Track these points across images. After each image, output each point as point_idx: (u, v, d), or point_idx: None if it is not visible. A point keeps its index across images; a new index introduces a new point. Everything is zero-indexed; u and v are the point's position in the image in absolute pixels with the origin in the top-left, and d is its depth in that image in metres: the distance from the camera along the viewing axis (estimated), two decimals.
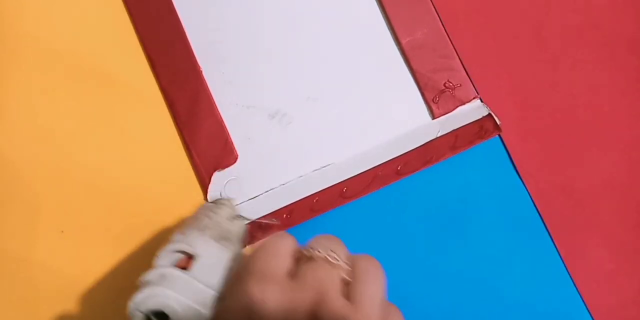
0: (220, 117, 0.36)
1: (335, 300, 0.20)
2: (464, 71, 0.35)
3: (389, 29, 0.36)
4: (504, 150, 0.35)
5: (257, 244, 0.27)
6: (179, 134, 0.36)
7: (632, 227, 0.35)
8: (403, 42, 0.35)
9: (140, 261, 0.34)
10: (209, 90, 0.36)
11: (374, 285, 0.21)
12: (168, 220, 0.35)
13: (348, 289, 0.21)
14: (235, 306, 0.21)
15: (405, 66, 0.35)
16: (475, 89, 0.35)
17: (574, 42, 0.35)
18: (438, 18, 0.35)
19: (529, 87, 0.35)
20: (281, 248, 0.22)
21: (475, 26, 0.35)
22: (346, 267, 0.22)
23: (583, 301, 0.34)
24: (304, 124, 0.36)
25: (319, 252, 0.22)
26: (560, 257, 0.34)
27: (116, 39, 0.37)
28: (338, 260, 0.21)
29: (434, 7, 0.35)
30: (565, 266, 0.34)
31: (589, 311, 0.34)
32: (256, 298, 0.20)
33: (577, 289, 0.34)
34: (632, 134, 0.35)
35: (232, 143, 0.35)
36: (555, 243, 0.34)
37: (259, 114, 0.36)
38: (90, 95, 0.37)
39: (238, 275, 0.22)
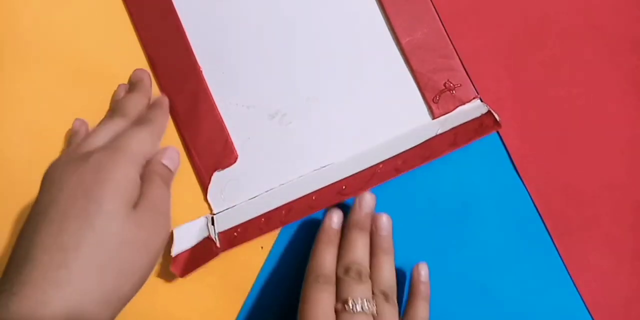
0: (220, 117, 0.36)
1: None
2: (464, 71, 0.35)
3: (388, 28, 0.36)
4: (504, 150, 0.35)
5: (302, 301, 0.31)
6: (179, 134, 0.36)
7: (632, 227, 0.35)
8: (403, 42, 0.35)
9: None
10: (209, 90, 0.36)
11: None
12: None
13: None
14: None
15: (405, 66, 0.35)
16: (475, 89, 0.35)
17: (574, 42, 0.35)
18: (438, 18, 0.35)
19: (529, 87, 0.35)
20: (328, 305, 0.30)
21: (475, 26, 0.35)
22: (374, 308, 0.30)
23: (583, 301, 0.34)
24: (304, 124, 0.36)
25: (355, 306, 0.29)
26: (560, 256, 0.34)
27: (116, 39, 0.37)
28: (368, 305, 0.30)
29: (434, 7, 0.35)
30: (565, 266, 0.34)
31: (588, 311, 0.34)
32: None
33: (577, 288, 0.34)
34: (632, 134, 0.35)
35: (232, 143, 0.35)
36: (555, 243, 0.34)
37: (259, 114, 0.36)
38: (91, 95, 0.37)
39: None
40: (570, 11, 0.35)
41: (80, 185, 0.28)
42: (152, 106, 0.35)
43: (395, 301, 0.31)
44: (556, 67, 0.35)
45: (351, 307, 0.29)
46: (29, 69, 0.37)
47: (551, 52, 0.35)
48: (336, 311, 0.30)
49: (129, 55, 0.37)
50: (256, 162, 0.35)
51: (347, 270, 0.31)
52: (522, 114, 0.35)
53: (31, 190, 0.36)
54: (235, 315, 0.35)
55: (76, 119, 0.36)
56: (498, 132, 0.35)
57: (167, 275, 0.35)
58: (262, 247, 0.36)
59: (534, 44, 0.35)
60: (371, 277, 0.32)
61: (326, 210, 0.33)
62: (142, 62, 0.37)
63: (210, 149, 0.35)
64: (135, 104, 0.34)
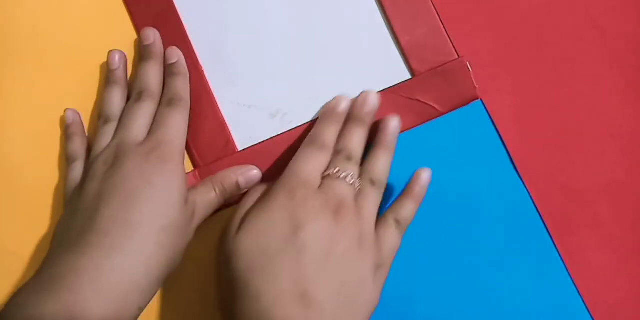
0: (222, 116, 0.36)
1: (350, 208, 0.29)
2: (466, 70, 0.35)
3: (388, 28, 0.36)
4: (504, 150, 0.35)
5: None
6: None
7: (632, 227, 0.35)
8: (402, 41, 0.35)
9: None
10: (210, 89, 0.36)
11: (370, 202, 0.31)
12: None
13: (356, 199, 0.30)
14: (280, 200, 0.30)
15: (404, 65, 0.35)
16: (475, 88, 0.35)
17: (574, 42, 0.35)
18: (438, 18, 0.35)
19: (529, 87, 0.35)
20: (317, 167, 0.31)
21: (475, 26, 0.36)
22: (358, 185, 0.31)
23: (583, 301, 0.34)
24: (305, 123, 0.36)
25: (340, 173, 0.30)
26: (560, 256, 0.34)
27: (116, 38, 0.37)
28: (352, 179, 0.30)
29: (434, 7, 0.35)
30: (565, 266, 0.34)
31: (588, 311, 0.34)
32: (297, 199, 0.29)
33: (576, 288, 0.34)
34: (632, 134, 0.35)
35: (233, 142, 0.35)
36: (555, 243, 0.34)
37: (260, 113, 0.36)
38: (91, 95, 0.37)
39: (282, 178, 0.31)
40: (570, 11, 0.35)
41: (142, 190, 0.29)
42: (171, 75, 0.35)
43: (381, 192, 0.32)
44: (556, 67, 0.35)
45: (336, 174, 0.30)
46: (28, 69, 0.37)
47: (551, 52, 0.35)
48: (322, 178, 0.31)
49: (129, 55, 0.37)
50: (257, 161, 0.35)
51: (338, 153, 0.32)
52: (522, 113, 0.35)
53: (31, 190, 0.36)
54: None
55: (67, 109, 0.36)
56: (498, 132, 0.35)
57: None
58: None
59: (534, 43, 0.35)
60: (364, 166, 0.32)
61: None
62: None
63: (211, 148, 0.35)
64: (157, 77, 0.34)
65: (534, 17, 0.35)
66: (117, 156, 0.31)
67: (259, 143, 0.35)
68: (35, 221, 0.36)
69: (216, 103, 0.36)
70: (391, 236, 0.31)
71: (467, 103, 0.35)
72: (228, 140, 0.35)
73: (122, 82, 0.35)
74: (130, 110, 0.33)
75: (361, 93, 0.33)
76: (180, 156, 0.32)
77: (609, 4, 0.35)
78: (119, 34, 0.37)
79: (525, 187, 0.35)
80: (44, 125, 0.37)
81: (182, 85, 0.34)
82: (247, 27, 0.36)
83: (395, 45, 0.35)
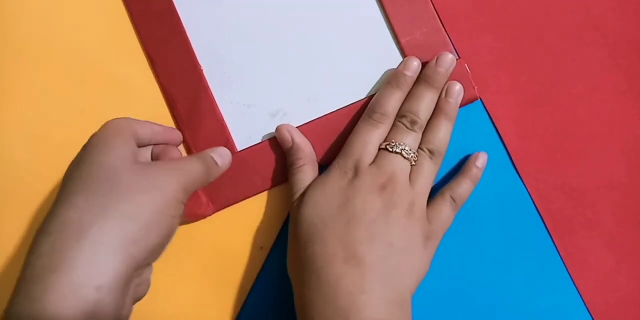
0: (221, 116, 0.36)
1: (401, 182, 0.31)
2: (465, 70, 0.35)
3: (388, 28, 0.36)
4: (504, 150, 0.35)
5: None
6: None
7: (632, 227, 0.35)
8: (402, 41, 0.35)
9: None
10: (209, 89, 0.36)
11: (425, 175, 0.32)
12: None
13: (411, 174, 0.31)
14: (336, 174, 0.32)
15: None
16: (475, 88, 0.35)
17: (574, 42, 0.35)
18: (438, 18, 0.35)
19: (529, 87, 0.35)
20: (372, 140, 0.32)
21: (475, 26, 0.35)
22: (415, 158, 0.32)
23: (583, 300, 0.34)
24: (305, 123, 0.36)
25: (396, 147, 0.31)
26: (561, 256, 0.34)
27: (116, 38, 0.37)
28: (409, 153, 0.31)
29: (434, 7, 0.35)
30: (565, 266, 0.34)
31: (588, 310, 0.34)
32: (349, 175, 0.31)
33: (577, 288, 0.34)
34: (632, 134, 0.35)
35: (233, 142, 0.35)
36: (555, 242, 0.34)
37: (260, 113, 0.36)
38: (91, 95, 0.37)
39: (340, 153, 0.33)
40: (570, 11, 0.35)
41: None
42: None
43: (439, 163, 0.32)
44: (556, 67, 0.35)
45: (392, 148, 0.31)
46: (28, 69, 0.37)
47: (551, 52, 0.35)
48: (379, 149, 0.32)
49: (129, 55, 0.37)
50: (257, 161, 0.35)
51: (402, 117, 0.32)
52: (523, 113, 0.35)
53: (31, 191, 0.36)
54: (235, 315, 0.35)
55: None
56: (498, 132, 0.35)
57: (166, 276, 0.35)
58: (261, 247, 0.36)
59: (534, 43, 0.35)
60: (424, 135, 0.32)
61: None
62: (142, 62, 0.37)
63: (211, 148, 0.35)
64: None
65: (534, 17, 0.35)
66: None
67: (259, 143, 0.35)
68: (35, 221, 0.36)
69: (215, 103, 0.36)
70: (446, 211, 0.32)
71: (467, 104, 0.35)
72: (227, 140, 0.35)
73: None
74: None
75: (436, 56, 0.33)
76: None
77: (609, 4, 0.35)
78: (119, 34, 0.37)
79: (525, 187, 0.35)
80: (45, 126, 0.37)
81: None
82: (247, 27, 0.36)
83: (396, 45, 0.35)
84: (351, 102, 0.35)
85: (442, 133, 0.32)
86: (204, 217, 0.35)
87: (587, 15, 0.35)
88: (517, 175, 0.35)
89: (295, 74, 0.36)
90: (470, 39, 0.35)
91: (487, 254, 0.35)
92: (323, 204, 0.31)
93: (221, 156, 0.33)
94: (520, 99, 0.35)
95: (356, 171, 0.31)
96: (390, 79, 0.33)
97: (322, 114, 0.35)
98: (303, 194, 0.32)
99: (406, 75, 0.33)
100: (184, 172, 0.29)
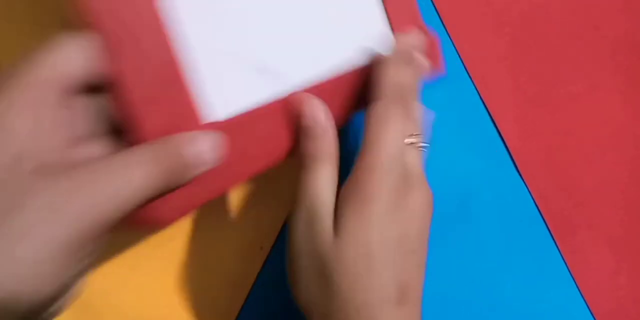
0: (190, 71, 0.22)
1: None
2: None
3: (389, 28, 0.35)
4: (505, 150, 0.35)
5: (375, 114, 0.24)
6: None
7: (633, 226, 0.35)
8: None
9: None
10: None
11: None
12: None
13: None
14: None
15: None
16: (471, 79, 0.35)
17: (574, 42, 0.35)
18: (438, 18, 0.35)
19: (529, 87, 0.35)
20: (404, 133, 0.24)
21: (475, 26, 0.36)
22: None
23: (584, 300, 0.34)
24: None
25: (420, 139, 0.25)
26: (562, 256, 0.34)
27: None
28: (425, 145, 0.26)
29: (434, 7, 0.35)
30: (566, 265, 0.34)
31: (590, 310, 0.34)
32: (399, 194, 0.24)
33: (578, 288, 0.34)
34: (632, 134, 0.35)
35: (202, 110, 0.23)
36: (557, 242, 0.34)
37: (244, 67, 0.25)
38: None
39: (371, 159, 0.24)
40: (571, 11, 0.35)
41: None
42: None
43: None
44: (556, 67, 0.35)
45: (419, 142, 0.26)
46: None
47: (551, 52, 0.35)
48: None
49: None
50: None
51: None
52: (523, 114, 0.35)
53: None
54: (235, 315, 0.35)
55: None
56: (499, 133, 0.35)
57: (166, 276, 0.35)
58: (261, 248, 0.35)
59: (534, 44, 0.35)
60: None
61: None
62: None
63: (171, 117, 0.21)
64: None
65: (534, 17, 0.35)
66: None
67: (242, 114, 0.24)
68: None
69: (184, 49, 0.22)
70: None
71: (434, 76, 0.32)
72: (195, 109, 0.21)
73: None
74: None
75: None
76: None
77: (609, 4, 0.35)
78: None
79: (527, 187, 0.35)
80: None
81: None
82: (237, 26, 0.26)
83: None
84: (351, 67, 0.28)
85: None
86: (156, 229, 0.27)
87: (587, 15, 0.35)
88: (518, 175, 0.35)
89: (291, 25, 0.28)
90: (470, 39, 0.35)
91: (488, 254, 0.35)
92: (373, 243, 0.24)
93: (200, 151, 0.20)
94: (520, 99, 0.35)
95: (405, 183, 0.24)
96: (400, 56, 0.27)
97: (324, 77, 0.27)
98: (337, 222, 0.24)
99: (409, 50, 0.27)
100: (106, 192, 0.17)
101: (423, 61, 0.28)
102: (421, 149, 0.26)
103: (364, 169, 0.23)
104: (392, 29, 0.30)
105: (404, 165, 0.24)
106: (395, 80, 0.26)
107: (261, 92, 0.25)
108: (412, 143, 0.25)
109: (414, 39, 0.28)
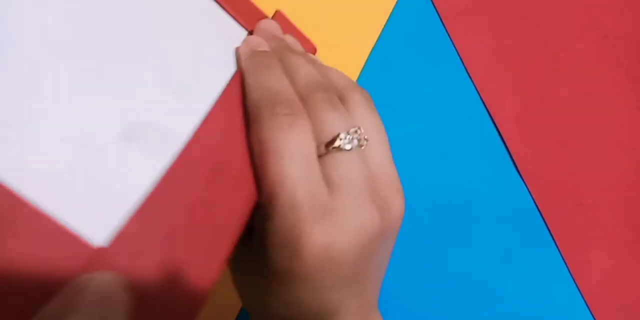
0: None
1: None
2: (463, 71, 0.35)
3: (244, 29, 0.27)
4: (506, 151, 0.35)
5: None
6: None
7: (633, 227, 0.35)
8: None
9: None
10: None
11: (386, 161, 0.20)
12: None
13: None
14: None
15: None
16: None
17: (574, 42, 0.35)
18: (438, 18, 0.35)
19: (529, 87, 0.35)
20: (303, 146, 0.18)
21: (475, 26, 0.36)
22: (364, 142, 0.19)
23: (584, 300, 0.34)
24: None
25: (339, 138, 0.19)
26: (562, 256, 0.34)
27: None
28: (357, 138, 0.19)
29: (434, 7, 0.35)
30: (566, 265, 0.34)
31: (589, 309, 0.34)
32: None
33: (578, 287, 0.34)
34: (632, 133, 0.35)
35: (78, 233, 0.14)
36: (557, 242, 0.34)
37: (100, 142, 0.15)
38: None
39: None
40: (571, 11, 0.35)
41: None
42: None
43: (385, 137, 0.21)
44: (556, 67, 0.35)
45: (339, 141, 0.19)
46: None
47: (551, 52, 0.35)
48: (325, 147, 0.19)
49: None
50: None
51: (307, 97, 0.19)
52: (523, 113, 0.35)
53: None
54: (235, 315, 0.35)
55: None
56: (499, 132, 0.35)
57: None
58: None
59: (534, 44, 0.35)
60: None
61: None
62: None
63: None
64: None
65: (534, 17, 0.35)
66: None
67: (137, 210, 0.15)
68: None
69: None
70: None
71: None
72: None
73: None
74: None
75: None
76: None
77: (609, 4, 0.35)
78: None
79: (527, 187, 0.35)
80: None
81: None
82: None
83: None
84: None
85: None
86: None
87: (587, 15, 0.35)
88: (518, 175, 0.35)
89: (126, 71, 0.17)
90: (470, 39, 0.35)
91: (488, 253, 0.35)
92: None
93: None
94: (520, 99, 0.35)
95: (317, 200, 0.18)
96: (248, 61, 0.21)
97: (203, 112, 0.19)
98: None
99: (263, 49, 0.22)
100: None
101: (287, 37, 0.23)
102: (356, 146, 0.19)
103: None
104: (247, 29, 0.23)
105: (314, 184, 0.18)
106: (259, 86, 0.20)
107: (147, 162, 0.16)
108: (334, 147, 0.19)
109: (267, 24, 0.23)
